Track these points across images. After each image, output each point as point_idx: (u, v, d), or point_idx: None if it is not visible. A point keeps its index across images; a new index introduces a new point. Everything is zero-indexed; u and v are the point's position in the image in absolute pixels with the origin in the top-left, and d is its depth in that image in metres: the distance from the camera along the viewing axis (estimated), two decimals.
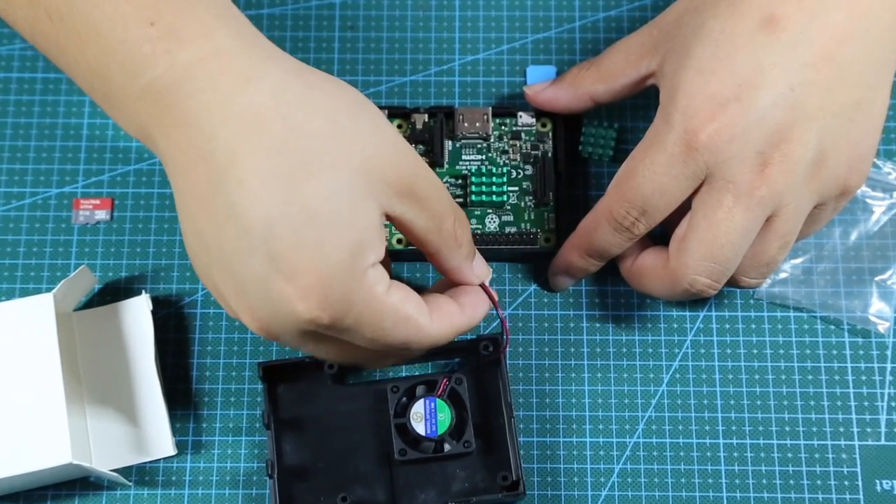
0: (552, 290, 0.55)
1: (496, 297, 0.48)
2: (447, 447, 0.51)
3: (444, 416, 0.51)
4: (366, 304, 0.41)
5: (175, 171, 0.42)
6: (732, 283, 0.51)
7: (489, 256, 0.54)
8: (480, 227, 0.56)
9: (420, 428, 0.51)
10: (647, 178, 0.48)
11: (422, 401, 0.51)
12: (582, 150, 0.59)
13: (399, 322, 0.43)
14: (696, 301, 0.56)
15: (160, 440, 0.53)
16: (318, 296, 0.40)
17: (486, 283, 0.48)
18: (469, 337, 0.52)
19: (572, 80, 0.55)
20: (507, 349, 0.53)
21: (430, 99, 0.60)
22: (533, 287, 0.57)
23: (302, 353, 0.53)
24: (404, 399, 0.52)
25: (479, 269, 0.48)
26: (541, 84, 0.56)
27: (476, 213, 0.57)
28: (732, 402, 0.55)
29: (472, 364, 0.53)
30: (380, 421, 0.53)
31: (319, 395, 0.53)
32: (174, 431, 0.54)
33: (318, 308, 0.40)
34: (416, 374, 0.54)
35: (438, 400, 0.51)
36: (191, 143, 0.41)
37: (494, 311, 0.50)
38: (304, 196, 0.40)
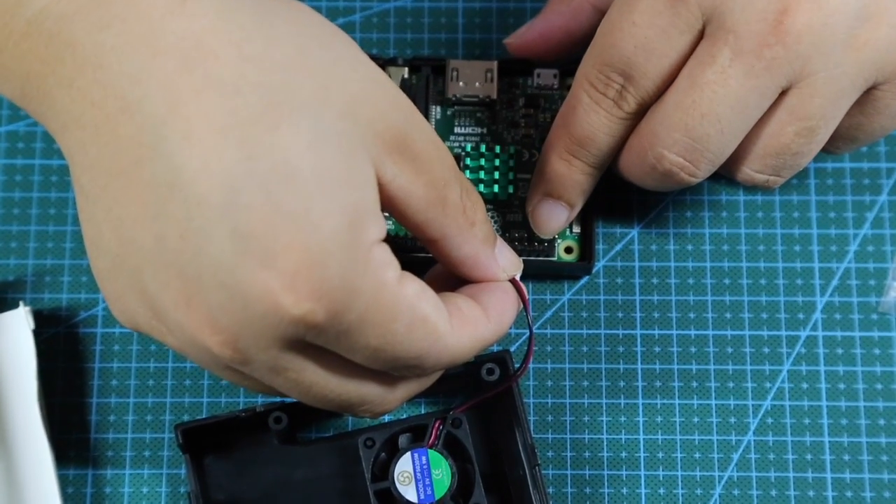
0: (538, 232, 0.52)
1: (527, 297, 0.46)
2: None
3: (442, 474, 0.48)
4: (374, 293, 0.39)
5: (82, 137, 0.40)
6: (728, 172, 0.48)
7: None
8: None
9: (410, 493, 0.48)
10: (627, 32, 0.46)
11: (408, 455, 0.49)
12: None
13: (415, 324, 0.40)
14: (793, 322, 0.53)
15: None
16: (310, 281, 0.37)
17: (517, 278, 0.46)
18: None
19: None
20: (526, 370, 0.49)
21: (422, 33, 0.58)
22: (566, 297, 0.53)
23: (261, 399, 0.52)
24: (384, 455, 0.50)
25: (504, 259, 0.45)
26: (525, 25, 0.54)
27: None
28: (847, 457, 0.52)
29: (471, 397, 0.51)
30: (353, 489, 0.51)
31: (265, 462, 0.51)
32: (65, 499, 0.51)
33: (311, 298, 0.38)
34: (396, 418, 0.52)
35: (431, 451, 0.49)
36: (108, 93, 0.38)
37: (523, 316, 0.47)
38: (277, 147, 0.38)
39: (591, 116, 0.48)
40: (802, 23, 0.44)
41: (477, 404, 0.50)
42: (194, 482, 0.49)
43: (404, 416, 0.52)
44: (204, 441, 0.50)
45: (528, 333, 0.52)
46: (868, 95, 0.46)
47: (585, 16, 0.52)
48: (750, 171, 0.47)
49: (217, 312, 0.38)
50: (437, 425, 0.49)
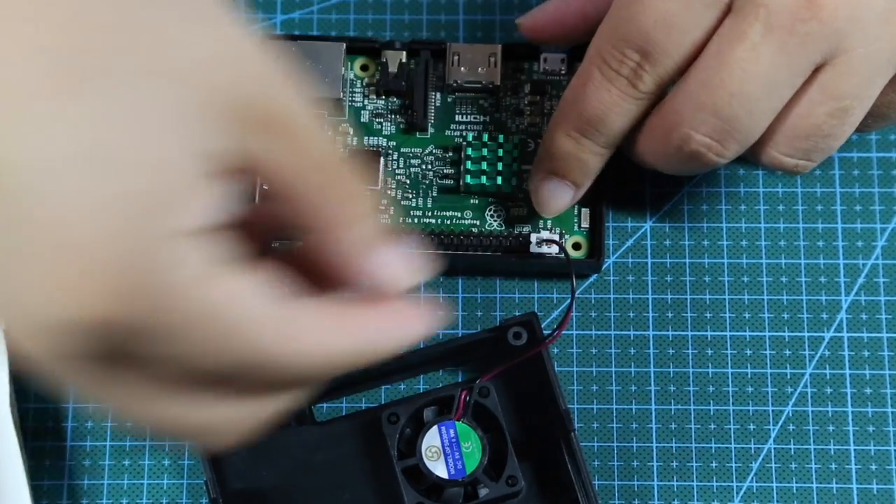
0: (539, 211, 0.52)
1: (435, 317, 0.41)
2: (484, 491, 0.50)
3: (472, 447, 0.50)
4: (173, 293, 0.36)
5: None
6: (754, 155, 0.49)
7: (490, 269, 0.54)
8: (478, 223, 0.54)
9: (440, 468, 0.49)
10: (647, 4, 0.46)
11: (435, 429, 0.50)
12: None
13: (230, 329, 0.37)
14: (817, 323, 0.53)
15: None
16: (98, 277, 0.35)
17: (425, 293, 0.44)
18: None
19: None
20: (559, 335, 0.51)
21: (420, 14, 0.58)
22: (574, 296, 0.53)
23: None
24: (409, 430, 0.50)
25: (395, 264, 0.41)
26: (538, 6, 0.54)
27: (472, 202, 0.54)
28: (874, 467, 0.52)
29: (498, 364, 0.51)
30: (379, 467, 0.51)
31: (284, 446, 0.52)
32: None
33: (100, 298, 0.35)
34: (419, 389, 0.53)
35: (459, 423, 0.50)
36: None
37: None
38: (64, 123, 0.35)
39: (602, 95, 0.48)
40: None
41: (504, 371, 0.51)
42: (210, 470, 0.49)
43: (424, 388, 0.53)
44: None
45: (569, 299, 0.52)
46: None
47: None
48: (777, 153, 0.48)
49: (4, 307, 0.36)
50: (463, 396, 0.50)
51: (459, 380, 0.52)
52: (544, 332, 0.51)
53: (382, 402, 0.52)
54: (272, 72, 0.38)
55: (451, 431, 0.50)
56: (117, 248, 0.35)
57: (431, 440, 0.49)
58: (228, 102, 0.37)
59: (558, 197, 0.51)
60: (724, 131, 0.46)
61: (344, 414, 0.52)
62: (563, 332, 0.52)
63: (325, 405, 0.52)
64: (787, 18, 0.44)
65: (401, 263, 0.41)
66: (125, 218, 0.35)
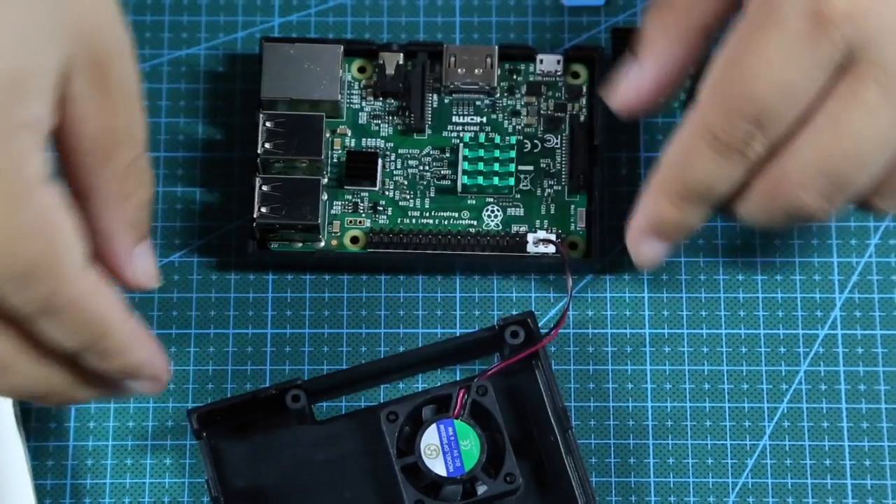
0: (638, 266, 0.51)
1: (161, 360, 0.44)
2: (482, 488, 0.50)
3: (471, 444, 0.49)
4: (11, 191, 0.38)
5: None
6: (858, 203, 0.48)
7: (487, 269, 0.53)
8: (476, 223, 0.54)
9: (438, 466, 0.49)
10: (762, 74, 0.45)
11: (434, 427, 0.50)
12: None
13: (37, 230, 0.38)
14: (811, 320, 0.54)
15: None
16: None
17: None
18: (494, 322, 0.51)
19: (665, 15, 0.50)
20: (556, 334, 0.51)
21: (417, 16, 0.58)
22: (571, 295, 0.52)
23: (270, 380, 0.52)
24: (408, 429, 0.50)
25: (143, 261, 0.44)
26: (626, 72, 0.50)
27: (470, 202, 0.54)
28: (868, 462, 0.52)
29: (495, 362, 0.52)
30: (378, 466, 0.51)
31: (284, 445, 0.52)
32: None
33: None
34: (418, 388, 0.53)
35: (457, 422, 0.50)
36: None
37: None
38: None
39: (710, 167, 0.47)
40: None
41: (502, 370, 0.51)
42: (211, 468, 0.49)
43: (422, 388, 0.52)
44: (218, 426, 0.50)
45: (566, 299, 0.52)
46: None
47: (698, 40, 0.50)
48: (882, 202, 0.48)
49: None
50: (461, 394, 0.50)
51: (457, 378, 0.52)
52: (541, 330, 0.51)
53: (381, 401, 0.52)
54: (126, 39, 0.41)
55: (450, 429, 0.50)
56: None
57: (430, 438, 0.49)
58: (85, 38, 0.39)
59: (658, 254, 0.50)
60: (834, 191, 0.46)
61: (343, 413, 0.52)
62: (560, 330, 0.52)
63: (324, 404, 0.52)
64: None
65: (149, 264, 0.44)
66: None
